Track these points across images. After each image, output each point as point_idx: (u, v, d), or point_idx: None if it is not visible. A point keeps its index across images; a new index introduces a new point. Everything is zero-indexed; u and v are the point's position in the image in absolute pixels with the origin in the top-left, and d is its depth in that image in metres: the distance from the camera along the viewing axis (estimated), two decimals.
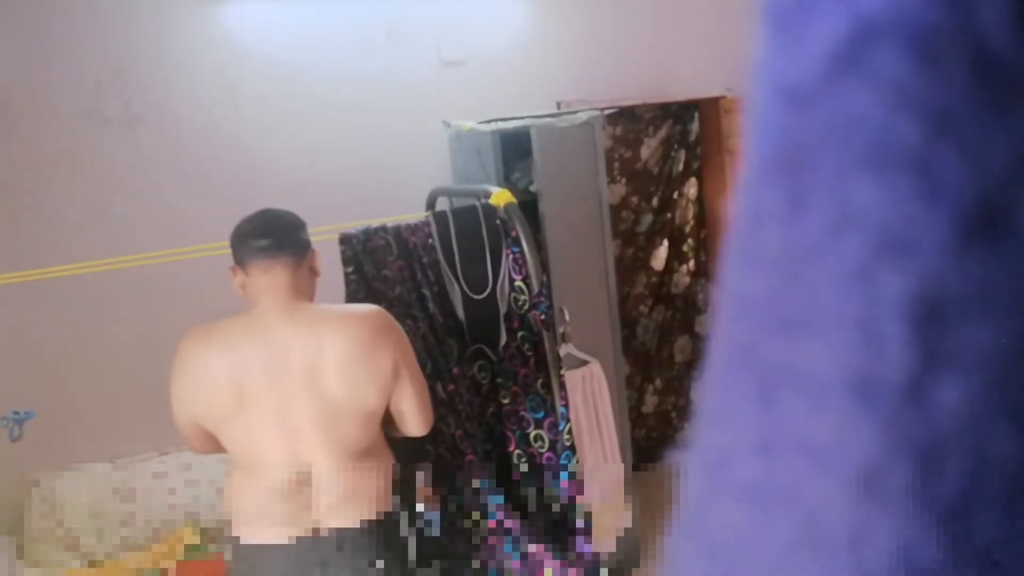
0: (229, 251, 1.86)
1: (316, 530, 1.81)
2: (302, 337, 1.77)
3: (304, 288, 1.85)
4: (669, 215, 3.97)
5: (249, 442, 1.80)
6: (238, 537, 1.84)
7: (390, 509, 1.90)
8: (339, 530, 1.82)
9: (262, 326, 1.78)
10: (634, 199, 3.88)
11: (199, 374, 1.76)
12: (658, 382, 4.09)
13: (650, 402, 4.10)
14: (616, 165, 3.79)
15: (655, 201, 3.92)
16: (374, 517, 1.85)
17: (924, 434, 0.16)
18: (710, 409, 0.21)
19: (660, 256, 4.00)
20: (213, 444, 1.88)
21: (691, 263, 4.08)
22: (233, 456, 1.85)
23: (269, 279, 1.79)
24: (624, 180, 3.83)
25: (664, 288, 4.04)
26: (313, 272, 1.88)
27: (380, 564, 1.85)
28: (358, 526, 1.83)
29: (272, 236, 1.79)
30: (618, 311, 3.85)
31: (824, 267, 0.17)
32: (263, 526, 1.81)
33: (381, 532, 1.86)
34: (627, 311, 3.96)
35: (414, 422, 1.91)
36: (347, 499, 1.82)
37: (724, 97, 3.68)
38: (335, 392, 1.78)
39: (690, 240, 4.06)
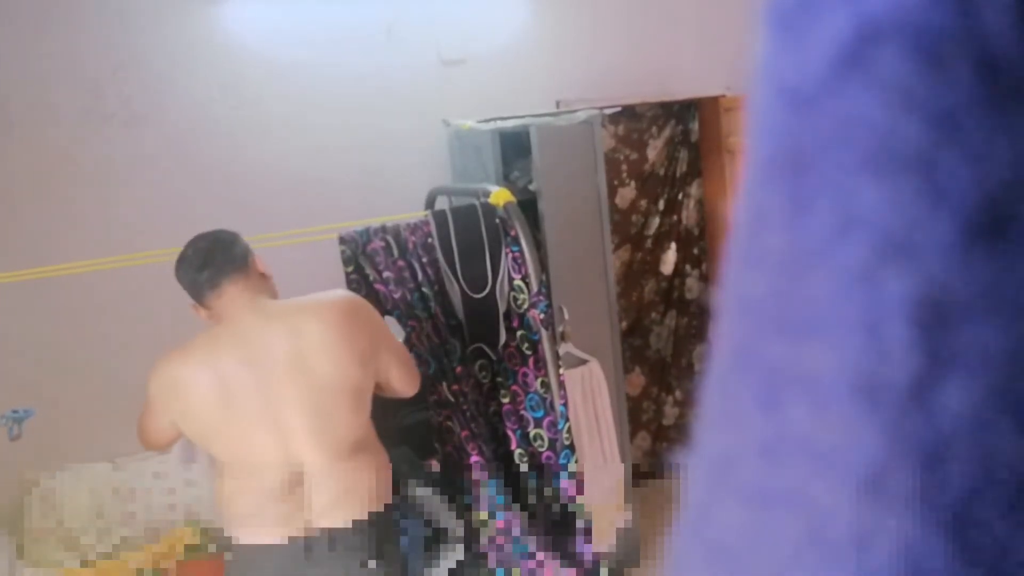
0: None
1: (309, 529, 1.82)
2: (277, 330, 1.79)
3: (262, 290, 1.88)
4: (675, 217, 3.91)
5: (242, 448, 1.81)
6: (233, 537, 1.86)
7: (384, 507, 1.90)
8: (330, 530, 1.82)
9: (235, 331, 1.81)
10: (643, 202, 3.82)
11: (185, 394, 1.79)
12: (678, 393, 3.99)
13: (670, 414, 4.01)
14: (624, 167, 3.74)
15: (661, 203, 3.86)
16: (366, 516, 1.86)
17: (928, 436, 0.16)
18: (713, 411, 0.21)
19: (669, 260, 3.93)
20: (170, 439, 1.92)
21: (703, 267, 4.00)
22: (226, 463, 1.86)
23: (224, 301, 1.83)
24: (633, 183, 3.77)
25: (675, 293, 3.96)
26: (262, 276, 1.91)
27: (372, 564, 1.86)
28: (350, 526, 1.84)
29: (209, 267, 1.83)
30: (625, 318, 3.83)
31: (827, 269, 0.17)
32: (258, 527, 1.82)
33: (373, 531, 1.86)
34: (639, 318, 3.90)
35: (403, 386, 1.98)
36: (341, 497, 1.83)
37: (724, 96, 3.67)
38: (321, 373, 1.79)
39: (701, 243, 3.99)
